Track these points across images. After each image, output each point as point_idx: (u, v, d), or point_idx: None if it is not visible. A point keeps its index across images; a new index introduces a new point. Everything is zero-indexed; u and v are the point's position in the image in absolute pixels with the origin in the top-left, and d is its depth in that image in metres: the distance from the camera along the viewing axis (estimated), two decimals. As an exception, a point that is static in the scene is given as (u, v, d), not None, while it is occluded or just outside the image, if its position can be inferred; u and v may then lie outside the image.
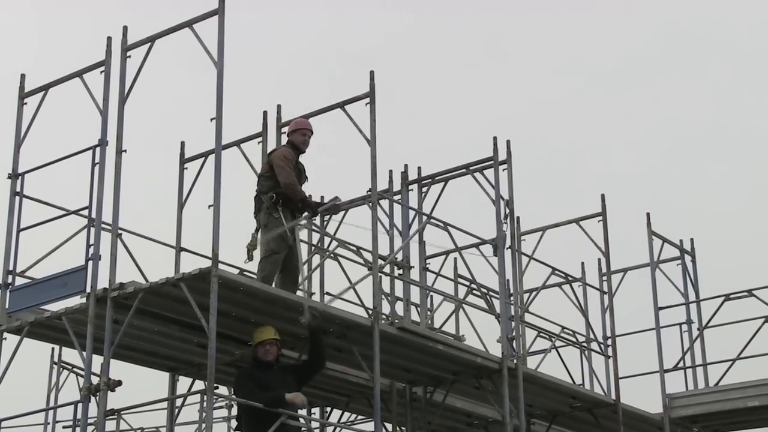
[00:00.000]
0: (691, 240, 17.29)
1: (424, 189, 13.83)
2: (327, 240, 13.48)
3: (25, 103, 11.33)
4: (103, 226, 10.26)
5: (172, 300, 10.15)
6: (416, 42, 36.52)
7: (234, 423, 11.57)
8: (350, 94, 11.64)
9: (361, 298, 11.48)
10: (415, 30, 36.79)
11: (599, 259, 15.97)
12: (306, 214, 11.51)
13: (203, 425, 12.81)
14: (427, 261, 14.07)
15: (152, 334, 11.05)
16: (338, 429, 14.12)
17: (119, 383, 9.90)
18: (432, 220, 13.45)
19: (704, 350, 16.51)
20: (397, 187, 13.89)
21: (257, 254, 11.30)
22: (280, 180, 11.26)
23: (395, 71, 31.83)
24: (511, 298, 14.11)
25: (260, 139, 12.63)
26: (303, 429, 10.72)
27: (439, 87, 35.85)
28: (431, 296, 14.27)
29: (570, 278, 15.74)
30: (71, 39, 31.64)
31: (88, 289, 10.07)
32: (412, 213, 13.63)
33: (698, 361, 16.44)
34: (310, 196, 11.86)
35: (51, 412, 14.95)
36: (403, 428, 13.53)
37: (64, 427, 14.70)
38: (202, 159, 12.22)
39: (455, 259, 14.34)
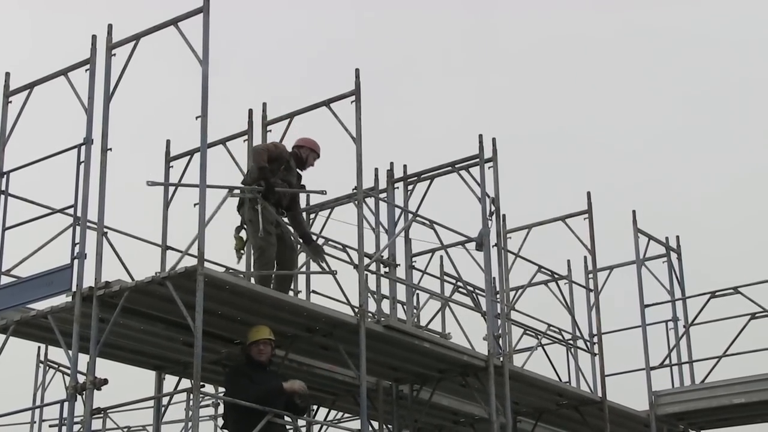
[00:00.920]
0: (677, 237, 17.33)
1: (410, 187, 13.83)
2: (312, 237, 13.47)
3: (10, 102, 11.30)
4: (88, 224, 10.24)
5: (158, 298, 10.14)
6: (401, 38, 36.60)
7: (221, 421, 11.56)
8: (335, 92, 11.65)
9: (347, 296, 11.47)
10: (400, 26, 36.87)
11: (585, 257, 16.02)
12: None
13: (190, 424, 12.79)
14: (413, 259, 14.08)
15: (138, 332, 11.05)
16: (325, 427, 14.13)
17: (105, 382, 9.87)
18: (418, 218, 13.45)
19: (690, 347, 16.53)
20: (382, 185, 13.89)
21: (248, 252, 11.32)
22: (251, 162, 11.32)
23: (380, 68, 31.89)
24: (497, 295, 14.15)
25: (246, 137, 12.63)
26: (289, 428, 10.72)
27: (425, 84, 35.92)
28: (417, 294, 14.29)
29: (556, 276, 15.76)
30: (56, 37, 31.62)
31: (74, 288, 10.04)
32: (397, 211, 13.63)
33: (684, 359, 16.46)
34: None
35: (37, 410, 14.93)
36: (389, 426, 13.55)
37: (50, 426, 14.69)
38: (188, 157, 12.23)
39: (441, 256, 14.36)
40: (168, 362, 11.96)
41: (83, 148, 10.36)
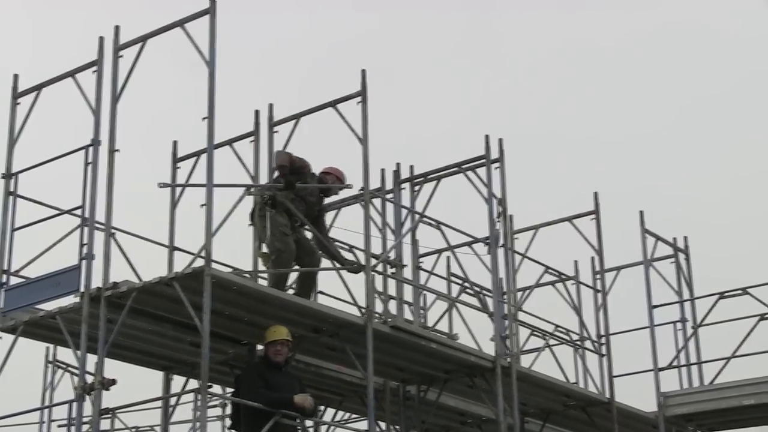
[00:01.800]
0: (685, 238, 17.29)
1: (417, 187, 13.82)
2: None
3: (19, 103, 11.33)
4: (96, 225, 10.27)
5: (165, 299, 10.17)
6: (407, 38, 36.59)
7: (228, 422, 11.58)
8: (342, 91, 11.67)
9: (354, 296, 11.49)
10: (406, 26, 36.86)
11: (592, 258, 15.97)
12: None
13: (197, 424, 12.81)
14: (420, 260, 14.07)
15: (146, 333, 11.08)
16: (332, 428, 14.13)
17: (113, 382, 9.91)
18: (424, 219, 13.47)
19: (699, 348, 16.48)
20: (389, 185, 13.88)
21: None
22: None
23: (387, 68, 31.88)
24: (505, 296, 14.13)
25: (252, 138, 12.64)
26: (299, 428, 10.73)
27: (432, 85, 35.89)
28: (424, 295, 14.30)
29: (563, 276, 15.75)
30: (64, 39, 31.60)
31: (82, 289, 10.08)
32: (404, 211, 13.63)
33: (693, 360, 16.42)
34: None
35: (46, 411, 14.95)
36: (396, 427, 13.55)
37: (59, 426, 14.74)
38: (195, 158, 12.24)
39: (448, 257, 14.36)
40: (175, 363, 11.98)
41: (91, 149, 10.41)
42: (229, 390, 12.00)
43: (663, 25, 35.86)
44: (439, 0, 36.51)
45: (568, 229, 15.33)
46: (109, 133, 10.42)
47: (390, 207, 13.67)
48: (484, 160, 13.04)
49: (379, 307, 13.02)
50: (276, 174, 11.87)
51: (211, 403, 14.79)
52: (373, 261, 11.74)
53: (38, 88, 11.23)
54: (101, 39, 10.65)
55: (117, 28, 10.68)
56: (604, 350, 15.27)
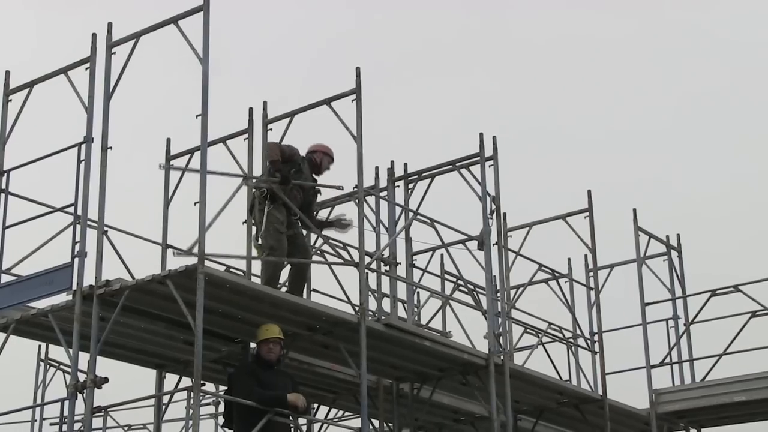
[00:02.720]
0: (678, 236, 17.33)
1: (411, 185, 13.84)
2: (313, 237, 13.47)
3: (10, 100, 11.30)
4: (89, 223, 10.24)
5: (158, 297, 10.14)
6: (402, 36, 36.58)
7: (221, 420, 11.56)
8: (336, 90, 11.65)
9: (347, 294, 11.47)
10: (400, 24, 36.86)
11: (586, 255, 16.01)
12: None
13: (190, 422, 12.78)
14: (414, 257, 14.08)
15: (139, 331, 11.05)
16: (325, 425, 14.13)
17: (106, 380, 9.88)
18: (418, 217, 13.46)
19: (691, 346, 16.54)
20: (383, 183, 13.88)
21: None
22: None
23: (381, 66, 31.89)
24: (498, 294, 14.15)
25: (246, 136, 12.61)
26: (292, 426, 10.72)
27: (425, 82, 35.90)
28: (418, 292, 14.29)
29: (557, 274, 15.76)
30: (56, 36, 31.61)
31: (74, 287, 10.05)
32: (398, 209, 13.63)
33: (685, 357, 16.47)
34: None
35: (38, 409, 14.94)
36: (390, 425, 13.54)
37: (51, 425, 14.74)
38: (188, 156, 12.21)
39: (442, 255, 14.35)
40: (168, 361, 11.96)
41: (83, 146, 10.37)
42: (223, 388, 11.98)
43: (656, 23, 35.96)
44: (434, -1, 36.55)
45: (562, 226, 15.35)
46: (101, 131, 10.38)
47: (384, 205, 13.67)
48: (477, 158, 13.03)
49: (372, 304, 13.03)
50: (270, 169, 11.85)
51: (204, 401, 14.74)
52: (367, 259, 11.74)
53: (30, 85, 11.19)
54: (94, 36, 10.60)
55: (110, 24, 10.64)
56: (597, 347, 15.28)
